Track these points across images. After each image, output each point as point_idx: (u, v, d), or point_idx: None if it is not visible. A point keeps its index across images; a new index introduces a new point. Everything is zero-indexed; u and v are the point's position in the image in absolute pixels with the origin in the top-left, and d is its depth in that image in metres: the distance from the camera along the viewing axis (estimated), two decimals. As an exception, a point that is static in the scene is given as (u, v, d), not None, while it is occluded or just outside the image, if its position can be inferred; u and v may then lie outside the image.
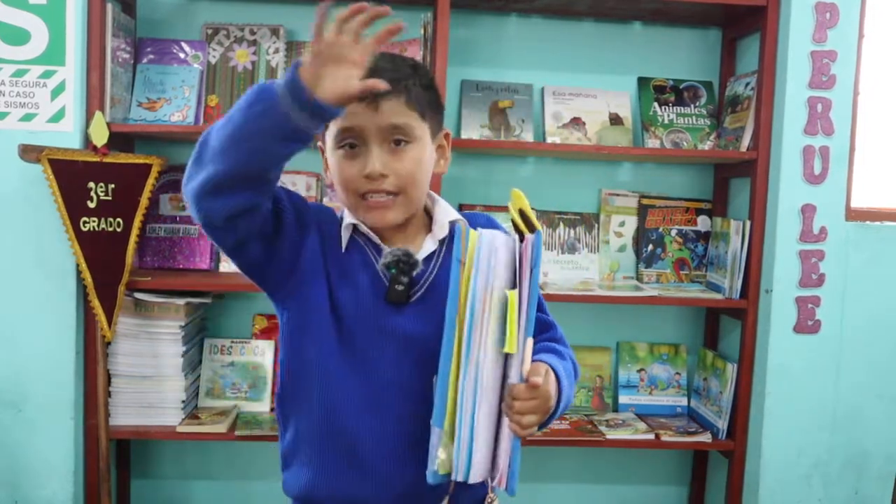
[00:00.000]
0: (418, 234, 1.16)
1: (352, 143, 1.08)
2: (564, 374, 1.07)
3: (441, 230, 1.15)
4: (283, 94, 0.93)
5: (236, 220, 1.01)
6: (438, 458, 1.00)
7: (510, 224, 1.07)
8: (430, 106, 1.12)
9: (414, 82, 1.10)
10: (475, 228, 1.03)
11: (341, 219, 1.15)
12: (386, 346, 1.10)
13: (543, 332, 1.17)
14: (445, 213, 1.16)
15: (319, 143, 1.16)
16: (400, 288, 1.09)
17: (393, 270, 1.09)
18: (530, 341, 0.98)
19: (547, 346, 1.13)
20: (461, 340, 0.98)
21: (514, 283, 0.99)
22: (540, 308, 1.15)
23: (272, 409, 2.19)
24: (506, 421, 0.98)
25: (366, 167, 1.06)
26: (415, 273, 1.10)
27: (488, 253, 0.97)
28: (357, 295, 1.10)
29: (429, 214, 1.18)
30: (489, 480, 1.00)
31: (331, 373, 1.10)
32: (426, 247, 1.14)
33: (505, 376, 0.99)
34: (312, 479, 1.12)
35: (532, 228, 0.99)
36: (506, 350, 0.96)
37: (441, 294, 1.06)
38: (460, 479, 0.98)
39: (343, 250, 1.12)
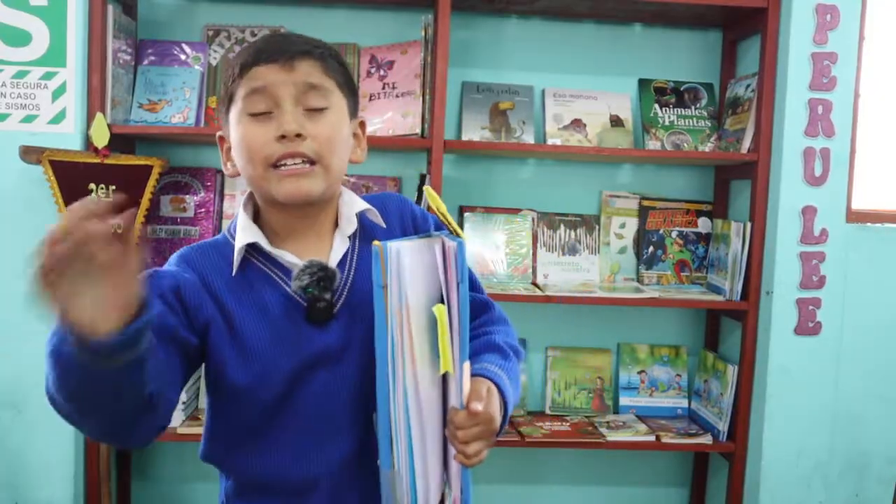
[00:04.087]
0: (328, 233, 1.03)
1: (262, 109, 0.96)
2: (507, 378, 0.98)
3: (349, 225, 1.02)
4: (72, 354, 0.74)
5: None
6: (395, 499, 0.90)
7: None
8: (347, 83, 1.02)
9: (329, 54, 1.01)
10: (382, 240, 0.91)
11: (225, 242, 1.02)
12: (316, 372, 0.98)
13: (481, 314, 1.08)
14: (351, 205, 1.04)
15: (219, 133, 1.05)
16: (322, 305, 0.97)
17: (311, 291, 0.96)
18: (467, 365, 0.91)
19: (487, 343, 1.03)
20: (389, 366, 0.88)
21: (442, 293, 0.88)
22: (474, 287, 1.07)
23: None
24: (451, 448, 0.90)
25: (280, 127, 0.94)
26: (335, 285, 0.97)
27: (395, 267, 0.86)
28: (270, 326, 0.97)
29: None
30: None
31: (259, 424, 0.98)
32: (336, 249, 1.01)
33: (446, 399, 0.91)
34: None
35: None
36: (441, 370, 0.87)
37: (363, 297, 0.95)
38: None
39: (235, 275, 0.98)
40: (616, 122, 2.32)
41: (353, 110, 1.04)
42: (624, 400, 2.38)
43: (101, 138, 1.92)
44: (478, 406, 0.88)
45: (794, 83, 2.08)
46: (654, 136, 2.30)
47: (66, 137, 1.96)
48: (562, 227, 2.35)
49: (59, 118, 1.96)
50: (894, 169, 2.38)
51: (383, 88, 2.22)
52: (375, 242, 0.86)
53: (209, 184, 2.25)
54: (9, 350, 1.98)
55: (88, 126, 1.96)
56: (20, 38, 1.95)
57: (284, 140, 0.94)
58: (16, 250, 1.97)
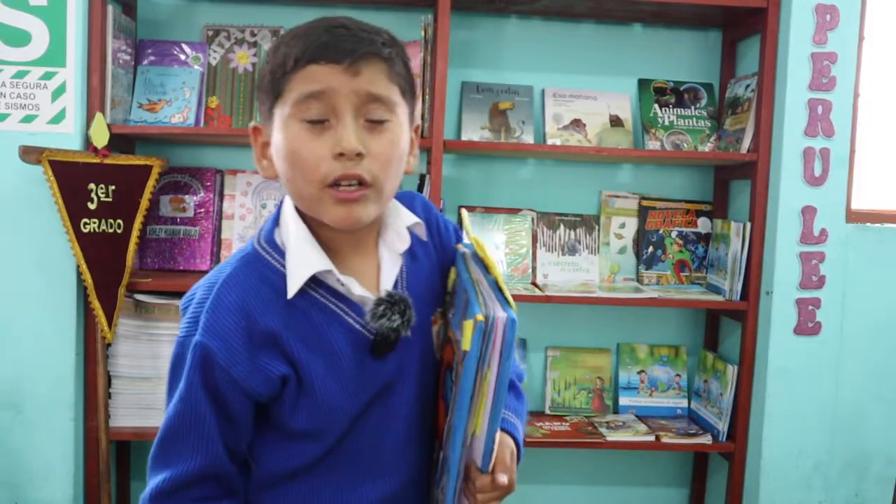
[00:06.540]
0: (373, 247, 0.95)
1: (317, 116, 0.85)
2: (521, 423, 0.98)
3: (401, 242, 0.94)
4: None
5: None
6: None
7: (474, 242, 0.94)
8: (410, 87, 0.92)
9: (397, 53, 0.90)
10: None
11: (259, 260, 0.90)
12: (374, 407, 0.92)
13: None
14: (398, 215, 0.95)
15: (253, 124, 0.94)
16: (393, 338, 0.89)
17: (395, 328, 0.88)
18: (502, 437, 0.89)
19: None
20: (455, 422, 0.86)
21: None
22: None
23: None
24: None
25: (339, 145, 0.84)
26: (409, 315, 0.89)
27: (495, 337, 0.82)
28: (338, 369, 0.89)
29: None
30: None
31: (307, 463, 0.92)
32: (387, 270, 0.93)
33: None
34: None
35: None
36: (472, 430, 0.84)
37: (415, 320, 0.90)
38: None
39: (293, 309, 0.88)
40: (616, 122, 2.32)
41: (412, 115, 0.94)
42: (624, 400, 2.38)
43: (100, 138, 1.93)
44: (503, 479, 0.86)
45: (794, 83, 2.08)
46: (653, 136, 2.30)
47: (66, 137, 1.96)
48: (561, 227, 2.35)
49: (58, 118, 1.96)
50: (894, 169, 2.38)
51: (383, 88, 2.21)
52: (479, 317, 0.79)
53: (209, 184, 2.25)
54: (9, 350, 1.98)
55: (88, 126, 1.96)
56: (20, 38, 1.95)
57: (343, 158, 0.84)
58: (15, 250, 1.97)
